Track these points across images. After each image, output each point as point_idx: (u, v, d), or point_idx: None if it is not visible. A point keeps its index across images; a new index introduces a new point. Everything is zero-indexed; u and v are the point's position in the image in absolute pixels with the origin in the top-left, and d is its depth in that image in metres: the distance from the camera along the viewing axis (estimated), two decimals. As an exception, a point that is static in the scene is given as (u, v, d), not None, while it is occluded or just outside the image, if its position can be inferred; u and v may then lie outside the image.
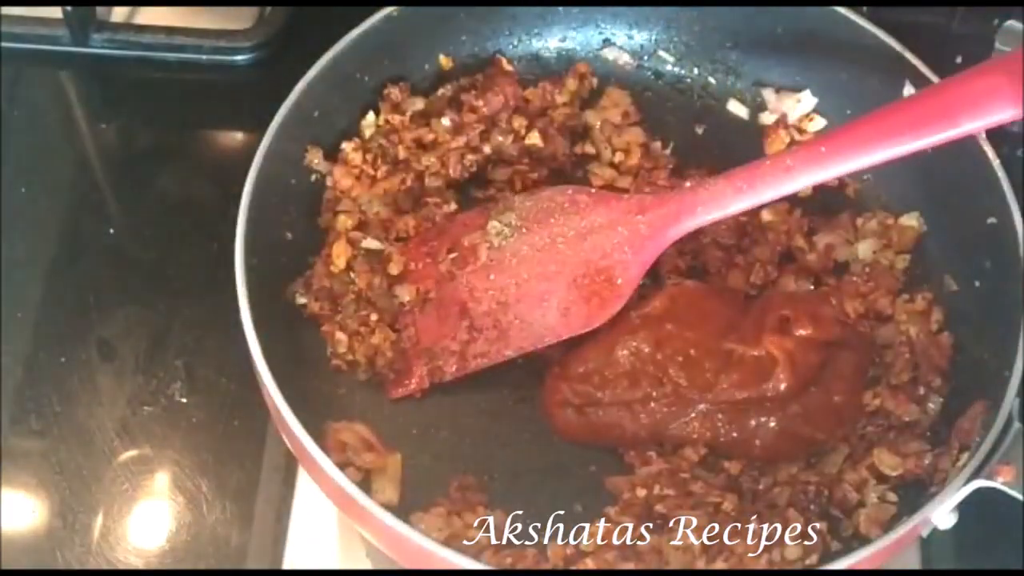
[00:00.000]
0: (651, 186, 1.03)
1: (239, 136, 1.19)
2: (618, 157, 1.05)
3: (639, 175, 1.04)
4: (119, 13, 1.21)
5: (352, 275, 0.96)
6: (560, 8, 1.09)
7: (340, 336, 0.94)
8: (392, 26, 1.01)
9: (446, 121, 1.03)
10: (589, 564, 0.84)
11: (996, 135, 0.93)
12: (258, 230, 0.90)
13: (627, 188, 1.04)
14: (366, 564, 0.93)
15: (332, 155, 1.00)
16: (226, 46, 1.19)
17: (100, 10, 1.19)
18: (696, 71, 1.10)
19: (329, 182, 1.00)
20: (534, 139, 1.04)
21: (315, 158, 0.99)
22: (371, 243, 0.98)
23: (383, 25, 1.01)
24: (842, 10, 1.02)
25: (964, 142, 0.93)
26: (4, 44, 1.18)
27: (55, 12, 1.17)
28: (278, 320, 0.90)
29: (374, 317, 0.95)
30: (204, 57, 1.19)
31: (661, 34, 1.10)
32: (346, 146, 1.01)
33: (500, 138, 1.04)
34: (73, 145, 1.18)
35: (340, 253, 0.96)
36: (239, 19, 1.20)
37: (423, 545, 0.78)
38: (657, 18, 1.10)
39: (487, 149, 1.03)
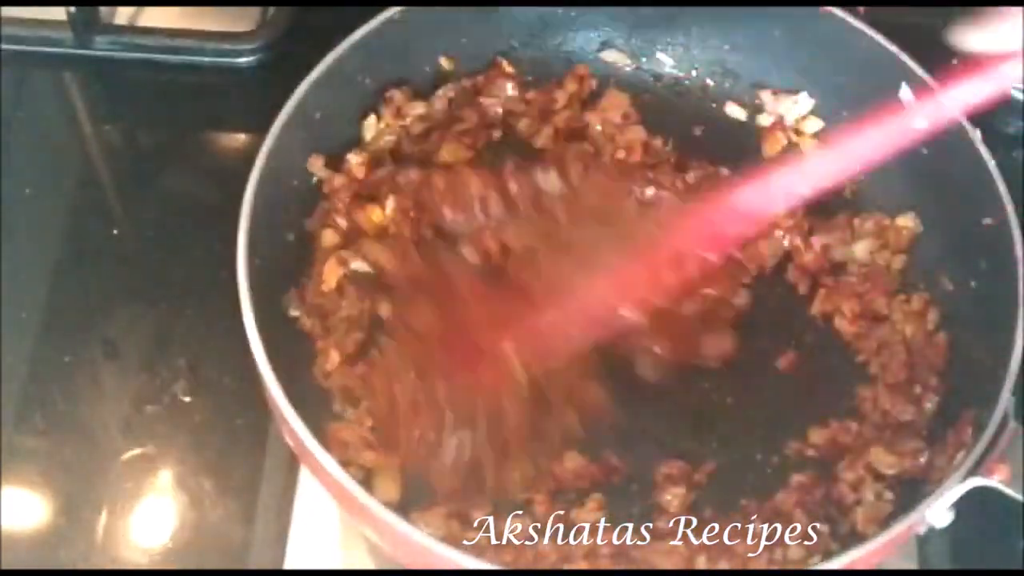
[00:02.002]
0: (656, 185, 1.03)
1: (242, 138, 1.19)
2: (620, 155, 1.06)
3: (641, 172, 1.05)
4: (122, 16, 1.22)
5: (342, 299, 0.95)
6: (559, 10, 1.09)
7: (334, 355, 0.93)
8: (393, 28, 1.02)
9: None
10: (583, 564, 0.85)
11: (992, 137, 0.94)
12: (260, 231, 0.90)
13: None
14: (368, 563, 0.93)
15: (333, 159, 1.01)
16: (229, 48, 1.20)
17: (104, 12, 1.20)
18: (694, 73, 1.11)
19: (326, 188, 1.00)
20: (544, 140, 1.05)
21: (316, 163, 0.99)
22: (360, 265, 0.97)
23: (384, 27, 1.01)
24: (839, 12, 1.02)
25: (959, 143, 0.94)
26: (8, 46, 1.18)
27: (59, 15, 1.17)
28: (280, 319, 0.91)
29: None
30: (207, 59, 1.20)
31: (660, 36, 1.11)
32: (351, 158, 1.01)
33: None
34: (77, 146, 1.19)
35: (331, 272, 0.96)
36: (242, 21, 1.21)
37: (424, 544, 0.78)
38: (656, 20, 1.10)
39: None
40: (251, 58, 1.19)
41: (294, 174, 0.98)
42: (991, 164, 0.93)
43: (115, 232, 1.11)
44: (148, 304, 1.05)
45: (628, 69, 1.11)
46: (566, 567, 0.85)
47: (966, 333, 0.94)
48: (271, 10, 1.21)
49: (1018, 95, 1.10)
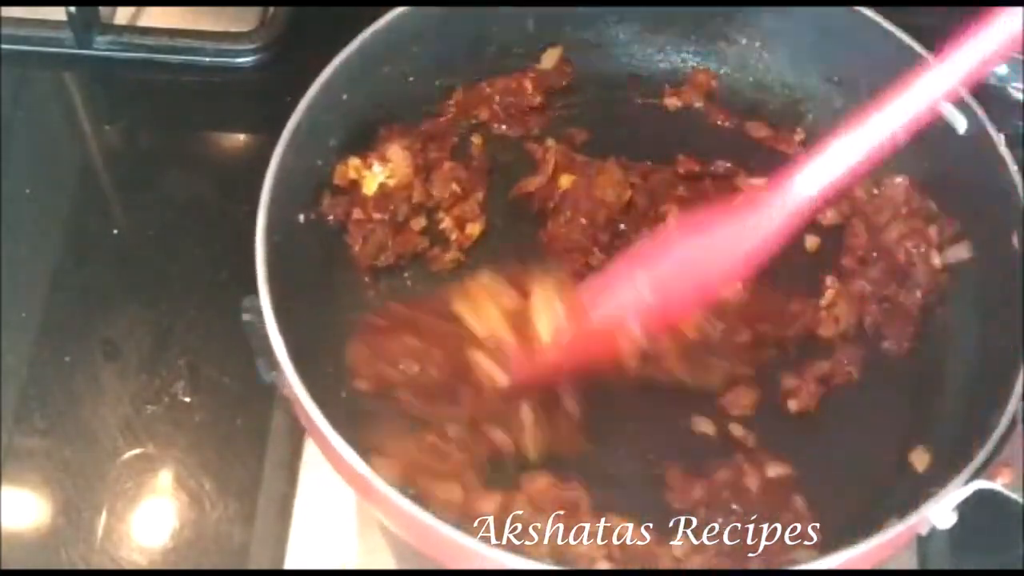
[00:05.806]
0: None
1: (242, 137, 1.27)
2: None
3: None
4: (122, 16, 1.30)
5: None
6: (575, 9, 1.17)
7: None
8: (417, 18, 1.08)
9: None
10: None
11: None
12: (281, 208, 0.95)
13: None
14: (368, 563, 0.99)
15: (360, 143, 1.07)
16: (229, 48, 1.28)
17: (104, 12, 1.27)
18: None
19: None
20: None
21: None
22: None
23: (407, 16, 1.07)
24: (869, 12, 1.08)
25: (984, 150, 1.01)
26: (8, 46, 1.26)
27: (59, 15, 1.25)
28: (293, 296, 0.94)
29: None
30: (207, 59, 1.28)
31: (674, 38, 1.19)
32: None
33: None
34: (77, 147, 1.26)
35: None
36: (242, 21, 1.29)
37: (431, 524, 0.83)
38: (670, 21, 1.18)
39: None
40: (251, 58, 1.27)
41: (318, 155, 1.03)
42: (1014, 169, 0.99)
43: (115, 232, 1.17)
44: (148, 304, 1.11)
45: (639, 71, 1.19)
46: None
47: (975, 335, 1.02)
48: (271, 10, 1.29)
49: (1018, 95, 1.17)
